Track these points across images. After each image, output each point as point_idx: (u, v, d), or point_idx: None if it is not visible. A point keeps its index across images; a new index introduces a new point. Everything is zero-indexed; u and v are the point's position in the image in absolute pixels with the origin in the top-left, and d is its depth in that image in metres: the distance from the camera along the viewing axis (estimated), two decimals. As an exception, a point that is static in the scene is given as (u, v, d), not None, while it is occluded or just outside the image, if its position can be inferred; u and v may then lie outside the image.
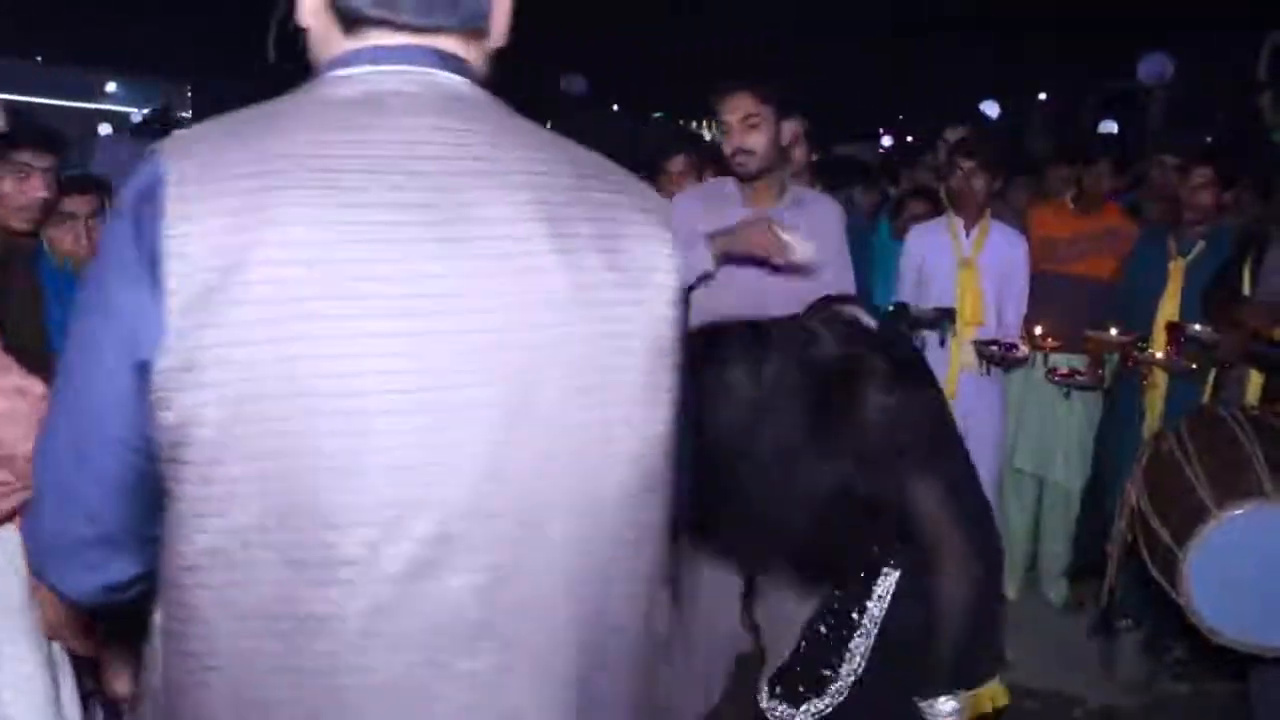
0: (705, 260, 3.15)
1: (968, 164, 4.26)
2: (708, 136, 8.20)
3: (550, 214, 1.10)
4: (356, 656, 1.05)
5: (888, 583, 2.31)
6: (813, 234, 3.24)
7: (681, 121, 16.93)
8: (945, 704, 2.22)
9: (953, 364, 4.22)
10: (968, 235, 4.32)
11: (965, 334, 4.23)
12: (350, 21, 1.17)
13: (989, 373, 4.25)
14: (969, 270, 4.28)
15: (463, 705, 1.09)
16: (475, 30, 1.20)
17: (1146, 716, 3.99)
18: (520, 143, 1.15)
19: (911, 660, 2.26)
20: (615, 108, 16.58)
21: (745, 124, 3.27)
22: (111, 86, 22.45)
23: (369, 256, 1.03)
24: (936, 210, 4.79)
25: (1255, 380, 3.83)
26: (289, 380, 1.00)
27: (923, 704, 2.23)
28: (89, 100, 21.13)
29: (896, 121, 20.95)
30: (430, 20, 1.16)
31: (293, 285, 1.00)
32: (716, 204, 3.40)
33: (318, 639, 1.04)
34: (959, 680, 2.23)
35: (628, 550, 1.16)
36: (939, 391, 2.45)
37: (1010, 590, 4.91)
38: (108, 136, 10.22)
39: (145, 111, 11.92)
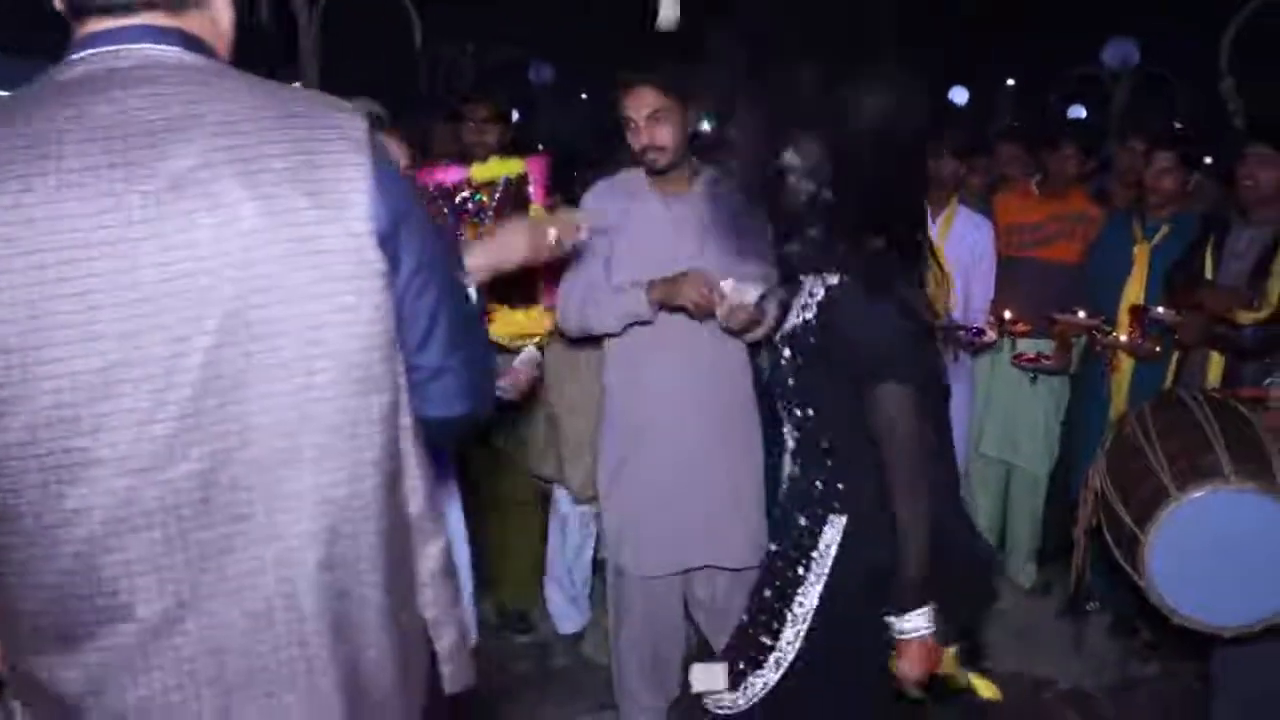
0: (642, 306, 3.16)
1: (935, 150, 4.26)
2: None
3: (242, 155, 1.31)
4: (109, 540, 1.29)
5: (834, 531, 2.30)
6: (730, 216, 3.19)
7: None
8: (911, 620, 2.18)
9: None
10: (934, 221, 4.32)
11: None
12: (75, 10, 1.39)
13: (956, 358, 4.26)
14: (935, 257, 4.27)
15: (200, 570, 1.33)
16: (184, 4, 1.42)
17: (1115, 698, 4.02)
18: (226, 98, 1.35)
19: (860, 624, 2.26)
20: (584, 96, 16.55)
21: (652, 119, 3.17)
22: None
23: (92, 210, 1.27)
24: None
25: (1216, 363, 3.87)
26: (31, 319, 1.24)
27: (892, 620, 2.20)
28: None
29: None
30: (133, 1, 1.38)
31: (22, 241, 1.24)
32: (628, 197, 3.34)
33: (76, 528, 1.29)
34: (927, 599, 2.19)
35: (344, 435, 1.38)
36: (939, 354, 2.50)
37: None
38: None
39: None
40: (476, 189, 3.89)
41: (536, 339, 3.83)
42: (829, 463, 2.35)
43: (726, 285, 2.99)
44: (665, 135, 3.17)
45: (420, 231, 1.46)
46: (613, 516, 3.40)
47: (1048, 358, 4.53)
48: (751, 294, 2.98)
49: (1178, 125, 5.47)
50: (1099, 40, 13.98)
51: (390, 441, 1.44)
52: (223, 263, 1.29)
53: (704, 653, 3.44)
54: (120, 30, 1.37)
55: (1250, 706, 3.06)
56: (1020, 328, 4.42)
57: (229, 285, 1.30)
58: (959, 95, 14.92)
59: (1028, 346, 4.57)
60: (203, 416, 1.31)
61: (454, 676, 1.64)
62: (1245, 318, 3.70)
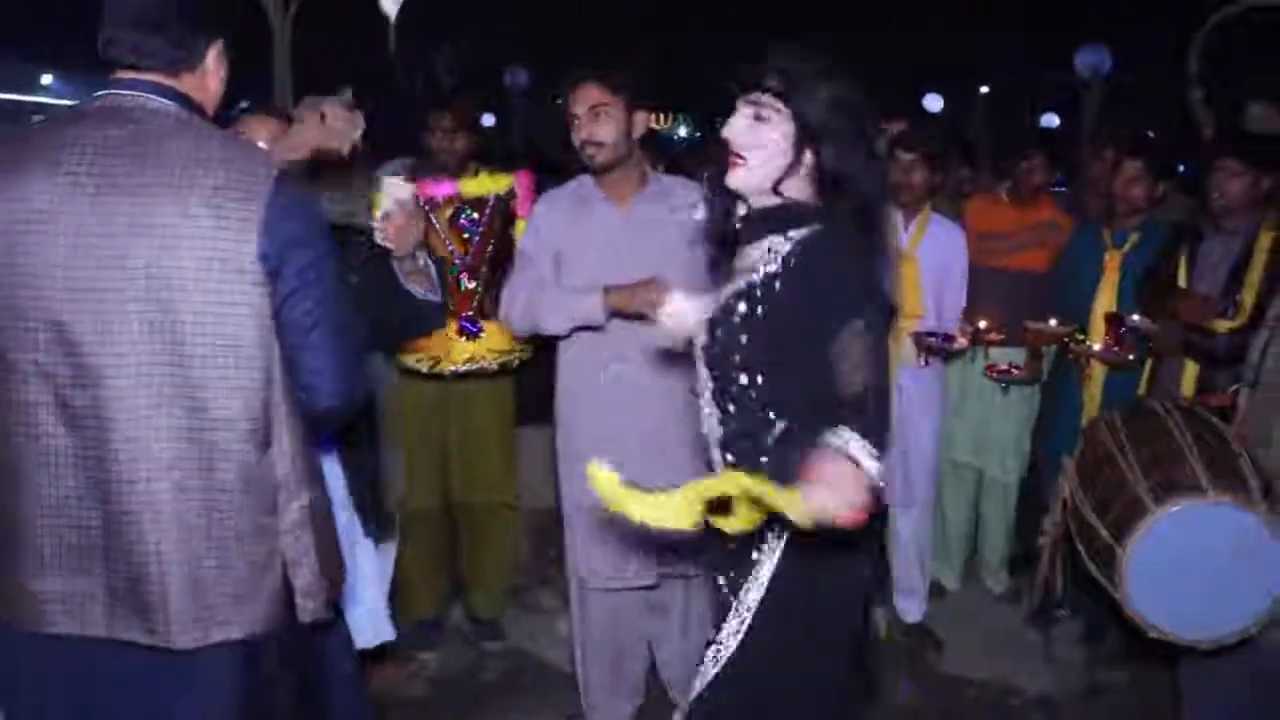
0: (596, 311, 3.17)
1: (907, 157, 4.25)
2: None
3: (181, 181, 1.88)
4: (25, 428, 1.93)
5: (777, 541, 2.20)
6: (678, 223, 3.21)
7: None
8: (845, 434, 1.91)
9: (892, 358, 4.22)
10: (906, 228, 4.32)
11: (905, 327, 4.22)
12: (110, 62, 2.03)
13: (927, 364, 4.26)
14: (908, 263, 4.28)
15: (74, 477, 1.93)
16: (179, 69, 2.03)
17: (1084, 704, 4.03)
18: (185, 139, 1.93)
19: (801, 618, 2.20)
20: (558, 101, 16.57)
21: (592, 114, 3.22)
22: (48, 79, 22.05)
23: (69, 209, 1.87)
24: None
25: (1191, 371, 3.88)
26: (10, 268, 1.87)
27: (829, 435, 1.92)
28: (25, 93, 20.75)
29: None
30: (143, 62, 2.00)
31: (22, 222, 1.87)
32: (578, 203, 3.37)
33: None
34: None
35: (214, 386, 1.91)
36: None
37: (950, 581, 4.95)
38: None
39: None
40: (465, 204, 3.89)
41: (520, 352, 3.87)
42: (774, 436, 2.18)
43: (679, 297, 2.97)
44: (604, 131, 3.21)
45: (306, 253, 1.96)
46: (572, 526, 3.39)
47: (1018, 368, 4.53)
48: (700, 309, 2.97)
49: (1150, 134, 5.47)
50: (1072, 47, 14.08)
51: (260, 412, 1.97)
52: (146, 253, 1.86)
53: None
54: (132, 81, 2.00)
55: (1221, 717, 3.07)
56: (994, 337, 4.42)
57: (146, 270, 1.86)
58: (933, 102, 15.00)
59: (999, 357, 4.56)
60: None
61: (306, 609, 2.07)
62: (1220, 326, 3.73)
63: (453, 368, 3.93)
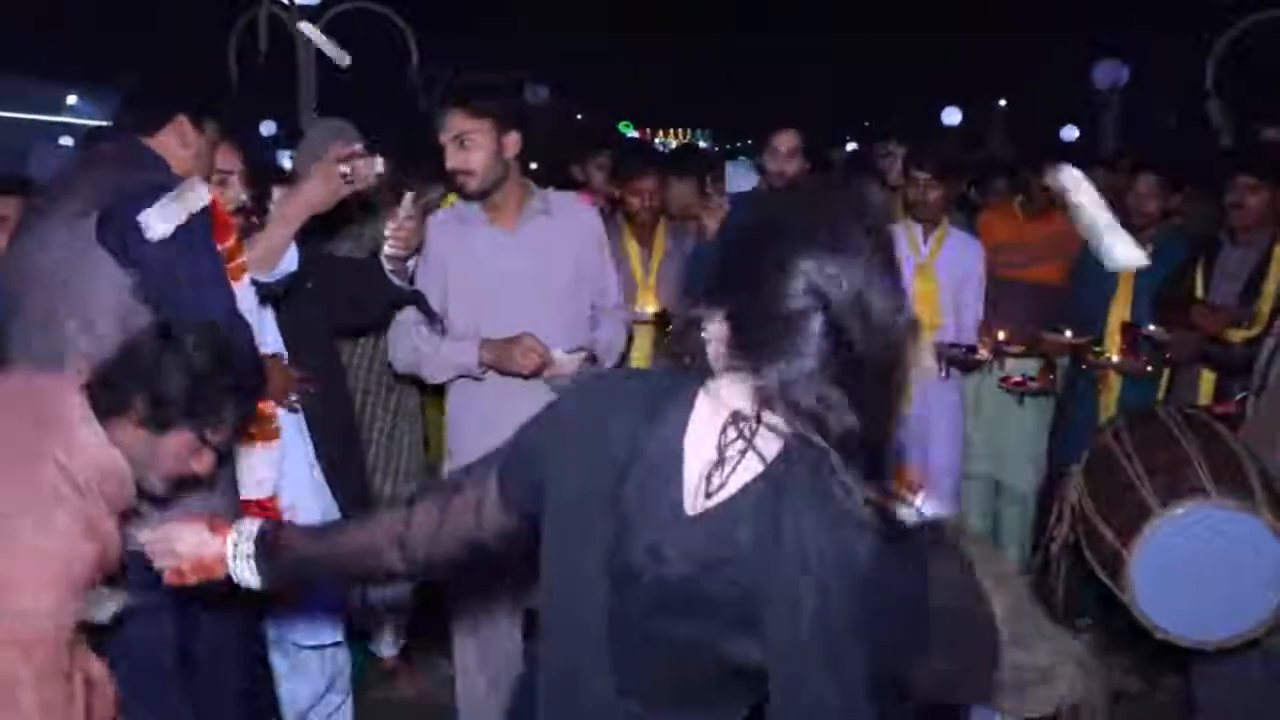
0: (472, 361, 3.19)
1: (923, 175, 4.32)
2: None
3: (99, 202, 2.39)
4: None
5: None
6: (566, 243, 3.25)
7: (647, 131, 17.01)
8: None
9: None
10: (925, 242, 4.37)
11: (925, 338, 4.27)
12: (114, 122, 2.73)
13: (948, 376, 4.31)
14: (926, 276, 4.33)
15: None
16: (153, 130, 2.57)
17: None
18: (114, 174, 2.47)
19: None
20: (579, 117, 16.68)
21: (457, 143, 3.13)
22: (72, 99, 22.31)
23: (47, 222, 2.49)
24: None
25: (1208, 381, 3.92)
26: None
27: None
28: (51, 113, 21.00)
29: (862, 129, 21.11)
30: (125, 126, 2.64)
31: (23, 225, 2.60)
32: (461, 227, 3.31)
33: None
34: None
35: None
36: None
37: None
38: (44, 145, 10.51)
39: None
40: None
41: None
42: None
43: (557, 353, 3.02)
44: (473, 159, 3.13)
45: (156, 260, 2.34)
46: None
47: (1033, 379, 4.56)
48: (576, 361, 3.05)
49: (1165, 144, 5.54)
50: (1089, 61, 14.09)
51: None
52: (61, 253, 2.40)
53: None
54: (117, 134, 2.63)
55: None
56: (1014, 349, 4.45)
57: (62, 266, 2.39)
58: (952, 116, 15.03)
59: (1013, 369, 4.59)
60: None
61: None
62: (1236, 336, 3.77)
63: None
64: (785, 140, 4.50)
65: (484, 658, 3.36)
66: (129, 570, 2.12)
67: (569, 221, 3.33)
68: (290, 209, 2.87)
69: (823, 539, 1.39)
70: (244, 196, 3.00)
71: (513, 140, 3.18)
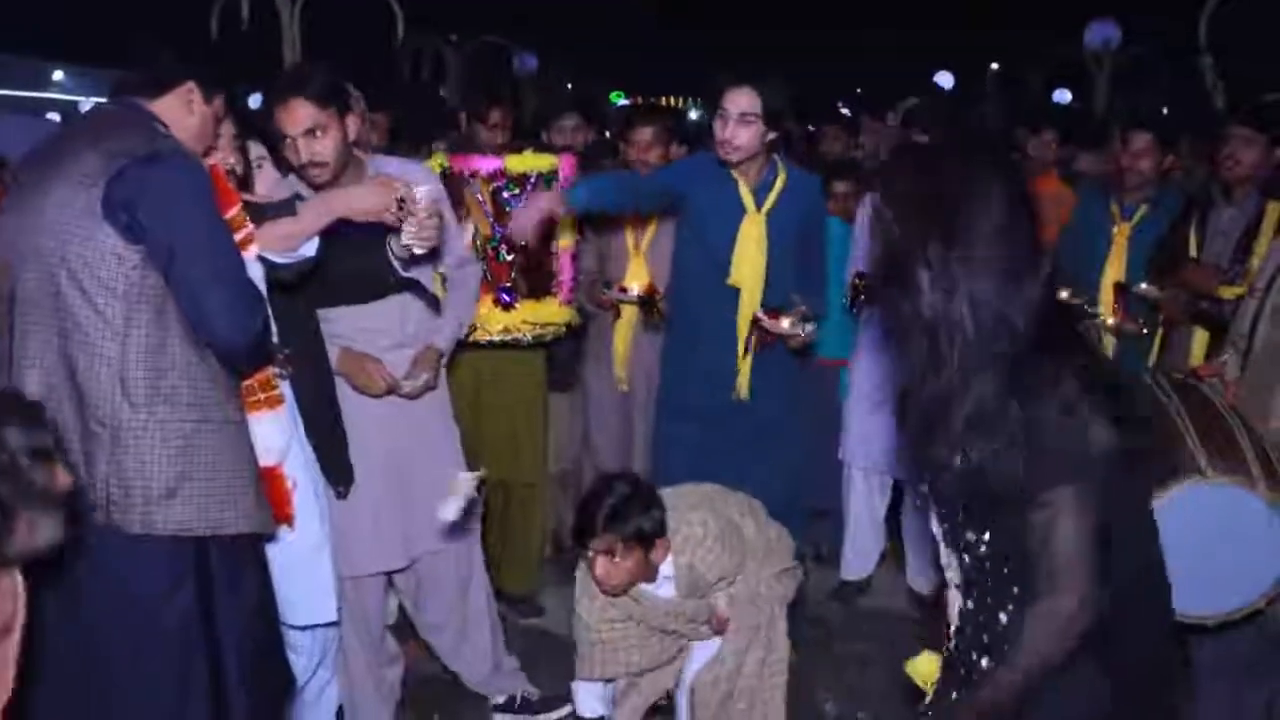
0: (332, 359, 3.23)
1: (922, 138, 4.30)
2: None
3: (72, 172, 2.35)
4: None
5: None
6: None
7: (638, 99, 16.95)
8: None
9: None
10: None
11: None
12: (118, 81, 2.60)
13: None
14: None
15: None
16: (154, 95, 2.52)
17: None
18: (120, 135, 2.41)
19: None
20: (569, 86, 16.60)
21: (309, 136, 3.02)
22: (58, 75, 22.16)
23: (46, 183, 2.40)
24: (859, 185, 4.72)
25: (1201, 340, 3.92)
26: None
27: None
28: (36, 89, 20.87)
29: (854, 95, 21.03)
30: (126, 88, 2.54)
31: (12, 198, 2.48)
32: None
33: None
34: None
35: (95, 334, 2.35)
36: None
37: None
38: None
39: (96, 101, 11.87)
40: (510, 179, 3.98)
41: (554, 328, 4.00)
42: (1015, 591, 1.90)
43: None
44: (325, 149, 3.05)
45: (172, 219, 2.32)
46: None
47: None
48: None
49: (1164, 110, 5.52)
50: (1081, 22, 14.02)
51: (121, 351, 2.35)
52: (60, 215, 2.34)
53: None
54: (119, 98, 2.54)
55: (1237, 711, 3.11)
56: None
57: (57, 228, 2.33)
58: (945, 79, 14.94)
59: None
60: None
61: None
62: (1229, 293, 3.75)
63: (488, 337, 4.00)
64: (737, 100, 3.53)
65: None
66: (149, 542, 2.36)
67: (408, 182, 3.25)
68: (334, 202, 2.83)
69: None
70: (234, 161, 2.98)
71: (353, 121, 3.15)
